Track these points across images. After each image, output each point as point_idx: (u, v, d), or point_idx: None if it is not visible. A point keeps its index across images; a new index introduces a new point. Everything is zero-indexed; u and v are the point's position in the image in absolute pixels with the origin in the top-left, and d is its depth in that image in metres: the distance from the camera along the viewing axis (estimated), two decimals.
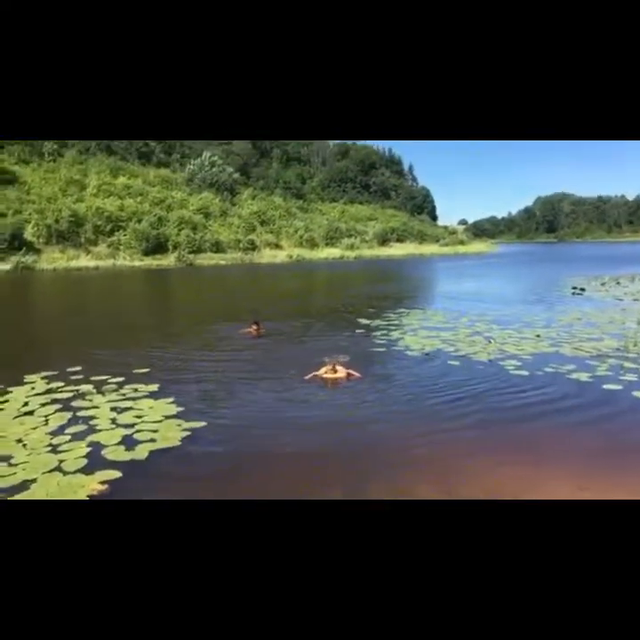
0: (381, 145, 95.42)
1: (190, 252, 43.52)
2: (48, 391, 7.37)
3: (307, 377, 7.99)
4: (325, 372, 8.01)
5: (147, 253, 42.02)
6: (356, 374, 8.09)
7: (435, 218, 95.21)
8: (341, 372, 8.05)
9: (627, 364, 8.70)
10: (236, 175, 61.59)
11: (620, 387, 7.51)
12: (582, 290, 20.65)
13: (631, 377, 7.97)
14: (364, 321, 13.65)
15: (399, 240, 68.93)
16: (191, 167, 58.01)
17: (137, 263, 40.39)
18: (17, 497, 4.39)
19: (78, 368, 8.48)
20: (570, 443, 5.69)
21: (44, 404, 6.79)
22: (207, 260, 44.13)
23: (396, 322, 13.53)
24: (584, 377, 8.03)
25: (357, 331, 12.40)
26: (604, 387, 7.53)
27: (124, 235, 42.26)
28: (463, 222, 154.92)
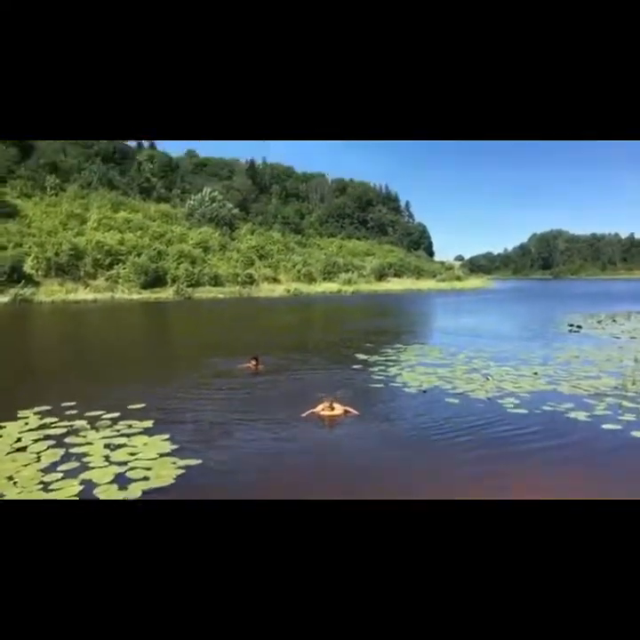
0: (378, 182, 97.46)
1: (189, 286, 43.73)
2: (41, 427, 7.27)
3: (304, 414, 7.91)
4: (322, 410, 7.95)
5: (145, 286, 42.19)
6: (354, 411, 8.03)
7: (431, 253, 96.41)
8: (339, 410, 7.96)
9: (625, 403, 8.66)
10: (236, 210, 62.52)
11: (619, 426, 7.46)
12: (579, 327, 20.74)
13: (629, 417, 7.93)
14: (361, 356, 13.62)
15: (396, 275, 69.54)
16: (191, 202, 58.92)
17: (135, 296, 40.50)
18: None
19: (73, 403, 8.39)
20: (568, 482, 5.61)
21: (36, 440, 6.69)
22: (205, 293, 44.32)
23: (393, 357, 13.51)
24: (582, 416, 7.98)
25: (355, 366, 12.36)
26: (603, 426, 7.48)
27: (124, 268, 42.50)
28: (459, 258, 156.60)
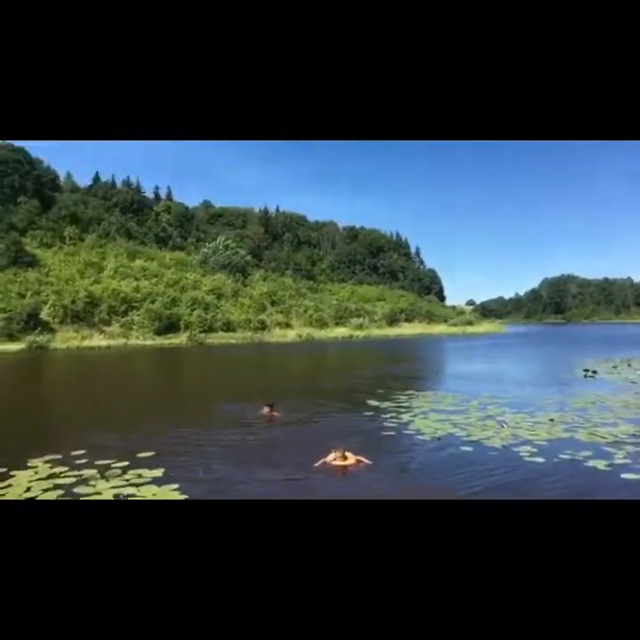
0: (389, 229, 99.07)
1: (202, 332, 44.14)
2: (51, 476, 7.24)
3: (316, 464, 7.80)
4: (334, 459, 7.81)
5: (159, 333, 42.66)
6: (366, 461, 7.89)
7: (443, 298, 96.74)
8: (351, 459, 7.84)
9: None
10: (249, 257, 63.78)
11: (638, 476, 7.24)
12: (594, 372, 20.42)
13: None
14: (373, 402, 13.50)
15: (408, 320, 69.63)
16: (205, 250, 60.28)
17: (149, 342, 40.89)
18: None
19: (83, 451, 8.38)
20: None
21: (46, 490, 6.64)
22: (218, 339, 44.63)
23: (405, 404, 13.36)
24: (601, 465, 7.76)
25: (367, 413, 12.23)
26: (623, 476, 7.26)
27: (138, 314, 43.15)
28: (471, 303, 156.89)
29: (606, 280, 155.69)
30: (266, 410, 11.57)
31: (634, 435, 9.62)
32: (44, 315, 39.01)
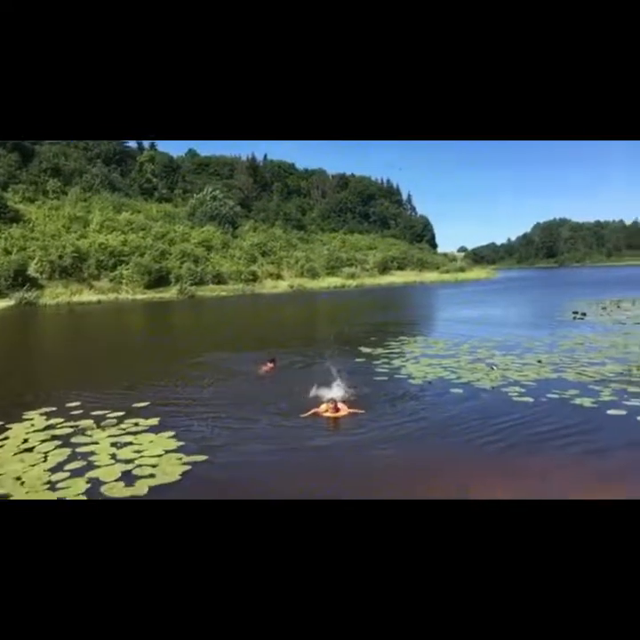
0: (380, 175, 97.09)
1: (192, 285, 43.82)
2: (47, 427, 7.33)
3: (304, 414, 7.62)
4: (326, 410, 7.58)
5: (149, 287, 42.31)
6: (359, 411, 7.74)
7: (434, 245, 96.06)
8: (343, 411, 7.62)
9: (631, 389, 8.63)
10: (238, 208, 62.52)
11: (624, 412, 7.43)
12: (583, 314, 20.63)
13: (635, 402, 7.89)
14: (366, 349, 13.62)
15: (399, 268, 69.38)
16: (193, 201, 58.95)
17: (139, 296, 40.63)
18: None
19: (78, 403, 8.45)
20: (574, 470, 5.60)
21: (43, 441, 6.74)
22: (208, 291, 44.40)
23: (397, 350, 13.50)
24: (588, 402, 7.95)
25: (359, 359, 12.36)
26: (609, 412, 7.45)
27: (127, 269, 42.64)
28: (463, 249, 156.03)
29: (598, 223, 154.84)
30: (268, 365, 11.21)
31: (621, 373, 9.82)
32: (32, 271, 38.42)
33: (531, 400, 8.20)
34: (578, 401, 8.04)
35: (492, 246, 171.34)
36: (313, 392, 8.61)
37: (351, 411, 7.65)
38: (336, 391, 8.47)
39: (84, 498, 5.00)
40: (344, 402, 7.88)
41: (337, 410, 7.52)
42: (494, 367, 10.82)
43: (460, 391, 8.94)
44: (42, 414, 7.95)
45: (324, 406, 7.64)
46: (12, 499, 3.69)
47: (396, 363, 11.69)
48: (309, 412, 7.63)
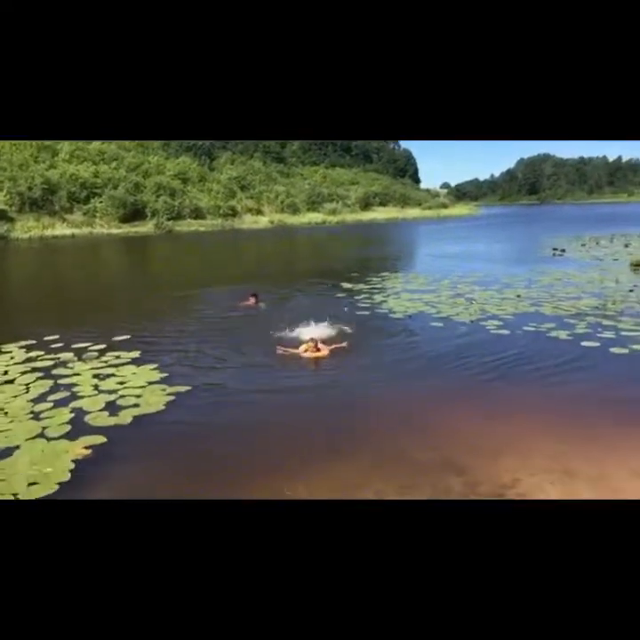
0: None
1: (169, 219, 42.67)
2: (28, 360, 7.27)
3: (280, 351, 7.30)
4: (306, 350, 7.23)
5: (124, 220, 41.09)
6: (341, 345, 7.50)
7: (417, 181, 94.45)
8: (324, 351, 7.27)
9: (605, 322, 8.85)
10: None
11: (597, 344, 7.66)
12: (563, 251, 20.81)
13: (609, 334, 8.13)
14: (347, 285, 13.62)
15: (382, 204, 68.37)
16: None
17: (114, 231, 39.52)
18: (3, 461, 4.39)
19: (57, 336, 8.35)
20: (548, 398, 5.82)
21: (24, 373, 6.71)
22: (186, 226, 43.35)
23: (378, 285, 13.53)
24: (563, 335, 8.16)
25: (339, 295, 12.38)
26: (583, 344, 7.67)
27: (100, 202, 41.18)
28: (446, 185, 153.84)
29: (582, 159, 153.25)
30: (251, 300, 11.12)
31: (596, 308, 10.04)
32: (0, 203, 36.88)
33: (507, 332, 8.38)
34: (554, 334, 8.24)
35: (475, 182, 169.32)
36: (292, 330, 8.37)
37: (332, 347, 7.38)
38: (316, 329, 8.27)
39: (69, 427, 5.05)
40: (324, 341, 7.59)
41: (317, 349, 7.23)
42: (473, 301, 10.96)
43: (440, 325, 9.07)
44: (21, 347, 7.86)
45: (303, 346, 7.32)
46: (11, 499, 3.70)
47: (378, 298, 11.74)
48: (289, 352, 7.26)
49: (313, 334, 7.75)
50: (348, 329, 8.63)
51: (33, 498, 3.91)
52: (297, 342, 7.64)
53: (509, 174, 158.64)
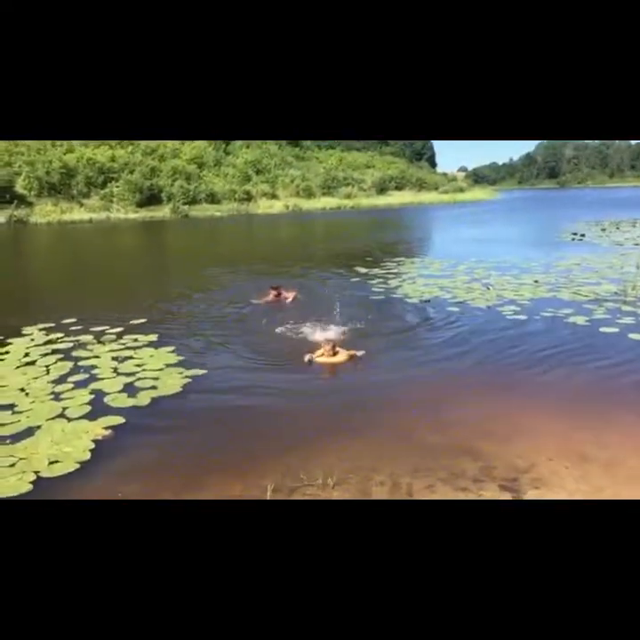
0: None
1: (185, 203, 42.72)
2: (48, 342, 7.41)
3: (308, 357, 6.52)
4: (322, 355, 6.55)
5: (141, 205, 41.25)
6: (358, 353, 6.70)
7: (434, 165, 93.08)
8: (342, 355, 6.59)
9: (624, 308, 8.73)
10: None
11: (616, 329, 7.56)
12: (582, 236, 20.44)
13: (628, 320, 8.01)
14: (362, 269, 13.58)
15: (398, 188, 67.55)
16: None
17: (131, 215, 39.72)
18: (21, 443, 4.51)
19: (76, 319, 8.48)
20: (563, 383, 5.77)
21: (44, 355, 6.84)
22: (202, 211, 43.37)
23: (394, 270, 13.46)
24: (581, 321, 8.07)
25: (354, 279, 12.35)
26: (601, 330, 7.58)
27: (117, 186, 41.37)
28: (463, 169, 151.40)
29: (604, 143, 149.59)
30: (272, 294, 9.87)
31: (616, 293, 9.89)
32: (19, 187, 37.23)
33: (524, 318, 8.31)
34: (572, 319, 8.15)
35: (493, 166, 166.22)
36: (309, 330, 7.75)
37: (351, 354, 6.63)
38: (332, 330, 7.66)
39: (89, 408, 5.16)
40: (340, 345, 6.77)
41: (335, 353, 6.54)
42: (490, 287, 10.86)
43: (456, 310, 9.01)
44: (41, 330, 8.01)
45: (319, 351, 6.63)
46: (10, 499, 3.75)
47: (393, 283, 11.69)
48: (306, 358, 6.52)
49: (328, 335, 7.25)
50: (362, 324, 8.09)
51: (54, 475, 4.03)
52: (312, 344, 7.04)
53: (529, 158, 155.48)
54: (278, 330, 7.93)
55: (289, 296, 9.90)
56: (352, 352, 6.68)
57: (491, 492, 3.70)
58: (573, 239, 19.71)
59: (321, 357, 6.56)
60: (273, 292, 9.85)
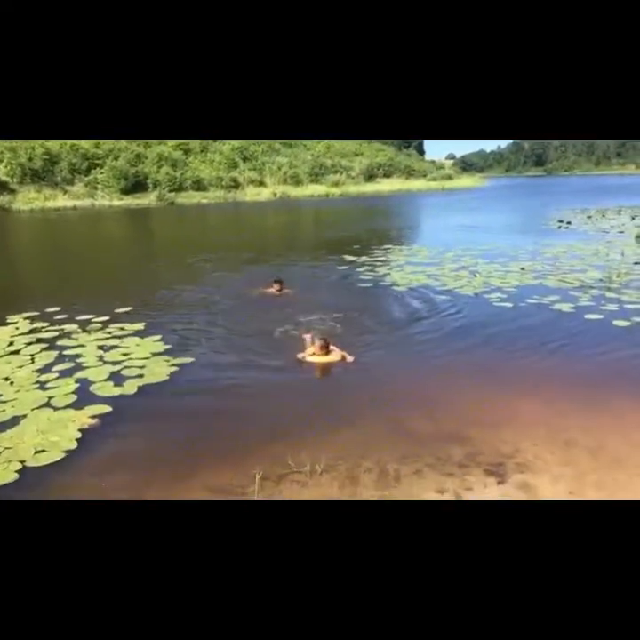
0: None
1: (171, 191, 42.24)
2: (32, 331, 7.32)
3: (300, 356, 6.19)
4: (313, 354, 6.11)
5: (126, 192, 40.71)
6: (349, 358, 6.14)
7: (422, 152, 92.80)
8: (336, 354, 6.12)
9: (608, 294, 8.82)
10: None
11: (601, 316, 7.64)
12: (568, 223, 20.58)
13: (612, 307, 8.10)
14: (350, 257, 13.56)
15: (386, 175, 67.33)
16: None
17: (116, 202, 39.21)
18: (7, 433, 4.46)
19: (60, 308, 8.38)
20: (549, 371, 5.84)
21: (29, 344, 6.76)
22: (188, 198, 42.92)
23: (382, 258, 13.46)
24: (566, 307, 8.14)
25: (341, 267, 12.33)
26: (586, 317, 7.66)
27: (101, 173, 40.75)
28: (451, 156, 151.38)
29: None
30: (274, 286, 9.66)
31: (600, 280, 9.99)
32: (1, 174, 36.53)
33: (510, 305, 8.37)
34: (557, 306, 8.22)
35: (481, 153, 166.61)
36: (301, 322, 7.55)
37: (344, 354, 6.17)
38: (322, 323, 7.48)
39: (74, 397, 5.11)
40: (332, 342, 6.28)
41: (327, 351, 6.07)
42: (477, 274, 10.91)
43: (444, 297, 9.05)
44: (25, 318, 7.90)
45: (310, 349, 6.19)
46: (10, 499, 3.71)
47: (381, 271, 11.69)
48: (301, 356, 6.19)
49: (321, 330, 6.87)
50: (353, 315, 7.89)
51: (40, 464, 4.00)
52: (303, 339, 6.76)
53: (516, 145, 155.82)
54: (268, 320, 7.86)
55: (289, 290, 9.77)
56: (344, 353, 6.18)
57: (476, 477, 3.76)
58: (559, 227, 19.84)
59: (312, 357, 6.09)
60: (275, 286, 9.68)
